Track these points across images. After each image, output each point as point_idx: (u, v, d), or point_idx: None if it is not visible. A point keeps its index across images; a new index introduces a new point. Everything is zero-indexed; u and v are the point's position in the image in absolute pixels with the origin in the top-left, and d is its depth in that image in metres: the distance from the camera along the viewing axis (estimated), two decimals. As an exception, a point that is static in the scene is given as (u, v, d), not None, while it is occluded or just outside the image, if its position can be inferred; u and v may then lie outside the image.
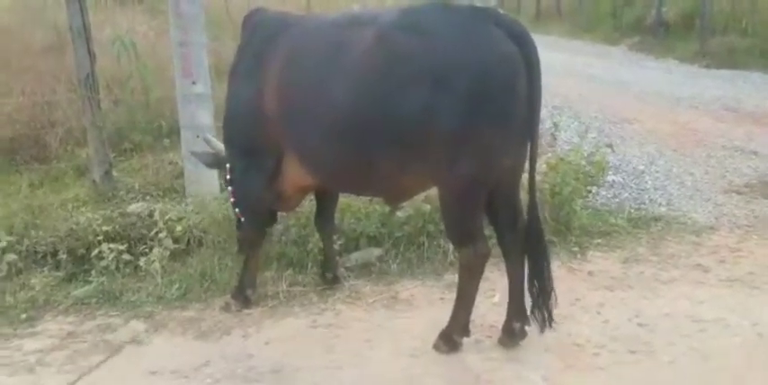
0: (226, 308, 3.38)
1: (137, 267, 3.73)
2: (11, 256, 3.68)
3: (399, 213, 3.89)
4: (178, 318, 3.30)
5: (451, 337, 2.96)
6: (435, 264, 3.80)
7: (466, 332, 2.98)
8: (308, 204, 3.98)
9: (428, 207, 3.87)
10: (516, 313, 2.97)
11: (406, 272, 3.74)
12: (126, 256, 3.73)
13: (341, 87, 2.70)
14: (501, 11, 2.73)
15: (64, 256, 3.78)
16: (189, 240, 3.94)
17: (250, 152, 3.16)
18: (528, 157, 2.75)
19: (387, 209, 3.92)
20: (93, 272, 3.70)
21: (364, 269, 3.77)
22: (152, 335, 3.16)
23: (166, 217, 4.05)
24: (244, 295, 3.40)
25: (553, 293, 2.92)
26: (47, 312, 3.36)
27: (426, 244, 3.87)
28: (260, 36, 3.12)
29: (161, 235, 3.85)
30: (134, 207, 4.39)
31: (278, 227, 3.88)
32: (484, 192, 2.71)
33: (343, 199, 4.08)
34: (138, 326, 3.24)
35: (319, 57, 2.81)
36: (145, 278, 3.65)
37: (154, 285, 3.57)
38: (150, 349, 3.05)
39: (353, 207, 4.06)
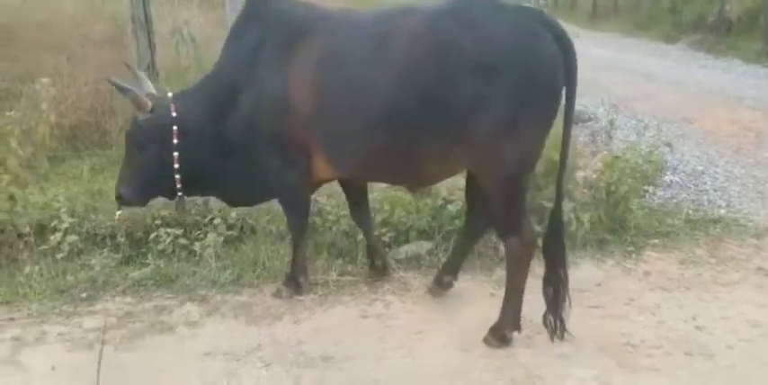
0: (277, 294, 3.42)
1: (191, 252, 3.80)
2: (72, 238, 3.79)
3: (450, 207, 3.87)
4: (231, 303, 3.36)
5: (502, 332, 2.96)
6: (485, 260, 3.77)
7: (516, 327, 2.96)
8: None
9: (480, 201, 3.84)
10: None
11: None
12: (182, 241, 3.81)
13: (389, 77, 2.75)
14: (546, 10, 2.78)
15: (122, 239, 3.88)
16: (242, 227, 4.00)
17: (277, 144, 3.08)
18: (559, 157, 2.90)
19: (438, 203, 3.91)
20: (149, 255, 3.78)
21: (414, 262, 3.76)
22: (206, 318, 3.22)
23: (222, 204, 4.13)
24: (296, 282, 3.43)
25: (567, 299, 2.92)
26: (106, 292, 3.46)
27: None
28: (287, 26, 3.04)
29: (216, 221, 3.92)
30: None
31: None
32: (526, 181, 2.85)
33: (394, 192, 4.10)
34: (192, 308, 3.31)
35: (364, 49, 2.84)
36: (199, 263, 3.71)
37: (208, 270, 3.64)
38: (204, 331, 3.12)
39: (404, 200, 4.05)
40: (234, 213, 3.99)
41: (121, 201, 3.34)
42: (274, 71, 2.99)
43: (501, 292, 3.39)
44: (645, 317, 3.20)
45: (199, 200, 4.26)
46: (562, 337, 2.94)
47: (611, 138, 5.31)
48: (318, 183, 3.33)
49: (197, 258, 3.75)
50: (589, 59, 10.05)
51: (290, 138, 3.03)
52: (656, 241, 4.06)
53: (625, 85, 8.47)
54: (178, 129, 3.14)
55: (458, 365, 2.81)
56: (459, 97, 2.66)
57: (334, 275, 3.61)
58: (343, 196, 3.64)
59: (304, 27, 3.00)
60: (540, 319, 3.10)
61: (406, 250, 3.81)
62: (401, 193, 4.07)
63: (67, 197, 4.12)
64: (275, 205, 4.06)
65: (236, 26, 3.18)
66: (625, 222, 4.09)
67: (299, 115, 2.96)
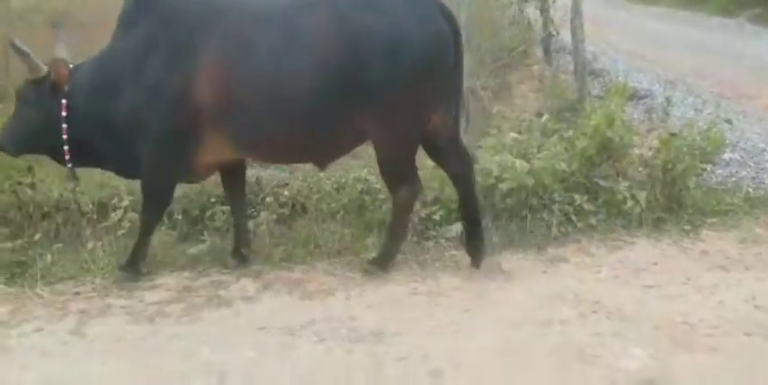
0: (116, 279, 3.39)
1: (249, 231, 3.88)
2: (132, 215, 3.90)
3: (501, 185, 3.83)
4: (284, 279, 3.42)
5: (379, 265, 3.40)
6: (538, 238, 3.75)
7: (388, 265, 3.41)
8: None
9: (532, 180, 3.80)
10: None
11: (507, 244, 3.70)
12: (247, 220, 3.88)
13: (303, 64, 2.98)
14: None
15: (179, 217, 3.99)
16: (293, 206, 4.07)
17: (166, 136, 3.15)
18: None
19: (489, 181, 3.88)
20: (205, 232, 3.88)
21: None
22: (261, 293, 3.29)
23: (273, 183, 4.20)
24: (136, 267, 3.43)
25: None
26: (165, 268, 3.56)
27: (529, 217, 3.82)
28: (184, 22, 3.11)
29: (268, 200, 3.99)
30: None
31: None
32: (417, 141, 3.25)
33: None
34: (247, 284, 3.39)
35: (275, 38, 3.00)
36: (253, 240, 3.79)
37: (261, 246, 3.71)
38: (259, 306, 3.19)
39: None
40: (286, 192, 4.05)
41: None
42: (171, 68, 3.07)
43: (553, 270, 3.39)
44: (703, 296, 3.13)
45: (251, 178, 4.36)
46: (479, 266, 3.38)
47: (667, 114, 5.18)
48: (215, 167, 3.42)
49: (251, 236, 3.83)
50: (643, 34, 9.81)
51: (185, 131, 3.11)
52: (714, 220, 3.96)
53: (681, 61, 8.19)
54: (67, 102, 3.23)
55: (510, 343, 2.81)
56: (368, 75, 2.95)
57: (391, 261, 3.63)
58: None
59: (202, 21, 3.09)
60: (593, 298, 3.09)
61: (456, 229, 3.81)
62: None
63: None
64: (325, 184, 4.14)
65: (127, 14, 3.23)
66: (682, 201, 4.00)
67: (203, 109, 3.05)
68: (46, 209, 3.90)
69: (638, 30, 10.56)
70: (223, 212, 3.92)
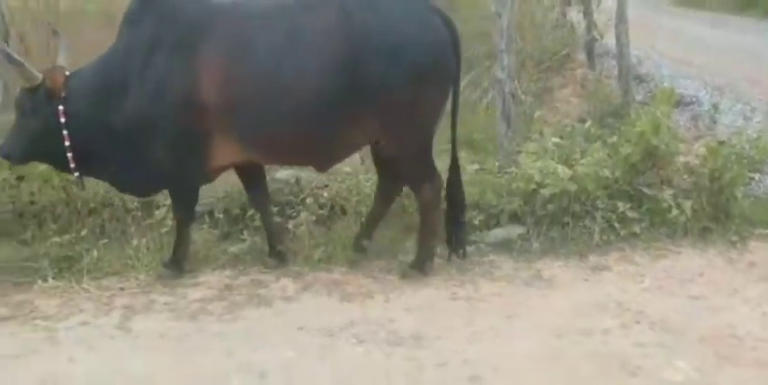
0: (159, 277, 3.46)
1: (284, 228, 3.91)
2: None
3: (543, 191, 3.80)
4: (323, 280, 3.45)
5: (422, 266, 3.42)
6: (579, 245, 3.70)
7: (431, 261, 3.46)
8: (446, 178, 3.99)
9: (574, 186, 3.76)
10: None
11: (548, 251, 3.67)
12: (277, 219, 3.92)
13: (308, 64, 3.03)
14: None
15: (220, 216, 4.04)
16: (332, 207, 4.08)
17: (176, 137, 3.18)
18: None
19: (531, 187, 3.84)
20: (245, 231, 3.92)
21: (504, 246, 3.73)
22: (300, 294, 3.32)
23: (312, 184, 4.23)
24: (179, 266, 3.49)
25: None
26: (207, 266, 3.61)
27: (571, 224, 3.77)
28: (185, 23, 3.13)
29: (308, 200, 4.01)
30: (281, 174, 4.59)
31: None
32: (429, 141, 3.32)
33: (485, 176, 4.06)
34: (287, 283, 3.42)
35: (279, 39, 3.05)
36: (292, 240, 3.82)
37: (301, 247, 3.74)
38: (299, 306, 3.21)
39: (494, 183, 4.02)
40: (326, 193, 4.07)
41: (3, 155, 3.44)
42: (176, 69, 3.09)
43: (595, 278, 3.34)
44: (750, 308, 3.06)
45: (291, 179, 4.40)
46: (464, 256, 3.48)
47: (714, 122, 5.07)
48: (224, 169, 3.44)
49: (290, 236, 3.86)
50: (690, 39, 9.60)
51: (195, 132, 3.13)
52: (763, 231, 3.85)
53: (730, 67, 8.00)
54: (65, 109, 3.22)
55: (551, 350, 2.78)
56: (370, 77, 3.01)
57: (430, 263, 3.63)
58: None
59: (204, 22, 3.12)
60: (636, 308, 3.04)
61: (496, 234, 3.79)
62: (491, 176, 4.05)
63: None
64: (364, 186, 4.14)
65: (130, 17, 3.25)
66: (729, 210, 3.90)
67: (209, 109, 3.08)
68: (92, 205, 3.98)
69: (685, 34, 10.35)
70: (263, 212, 3.95)
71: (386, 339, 2.92)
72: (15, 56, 3.27)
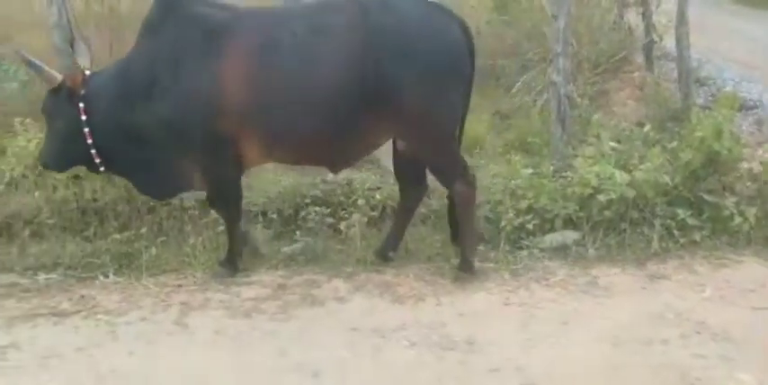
0: (215, 275, 3.51)
1: (336, 230, 3.94)
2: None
3: (600, 197, 3.72)
4: (375, 281, 3.45)
5: (470, 264, 3.43)
6: (637, 253, 3.62)
7: (475, 255, 3.48)
8: (500, 182, 3.97)
9: (633, 192, 3.68)
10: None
11: (604, 257, 3.60)
12: (329, 220, 3.96)
13: (327, 66, 3.10)
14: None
15: (274, 216, 4.09)
16: (384, 208, 4.09)
17: (204, 138, 3.23)
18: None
19: (587, 191, 3.77)
20: (298, 232, 3.97)
21: (559, 252, 3.68)
22: (352, 294, 3.33)
23: (365, 186, 4.24)
24: (234, 264, 3.54)
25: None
26: (260, 265, 3.67)
27: (628, 230, 3.69)
28: (206, 28, 3.19)
29: (360, 202, 4.02)
30: (333, 175, 4.63)
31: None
32: (452, 137, 3.39)
33: (539, 180, 4.00)
34: (339, 284, 3.44)
35: (298, 42, 3.13)
36: (344, 241, 3.84)
37: (353, 248, 3.75)
38: (351, 307, 3.23)
39: (548, 187, 3.96)
40: (378, 195, 4.08)
41: (42, 164, 3.58)
42: (198, 73, 3.15)
43: (653, 287, 3.27)
44: (820, 321, 2.94)
45: (343, 181, 4.42)
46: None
47: (781, 128, 4.89)
48: (245, 171, 3.51)
49: (342, 237, 3.88)
50: (755, 41, 9.26)
51: (221, 134, 3.19)
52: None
53: (795, 70, 7.70)
54: (85, 106, 3.27)
55: (608, 359, 2.73)
56: (386, 77, 3.07)
57: (475, 261, 3.60)
58: (484, 181, 3.78)
59: (224, 26, 3.19)
60: (696, 318, 2.96)
61: (550, 239, 3.73)
62: (546, 181, 3.98)
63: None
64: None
65: (150, 22, 3.30)
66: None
67: (232, 112, 3.14)
68: (151, 204, 4.08)
69: (748, 35, 9.99)
70: (316, 213, 3.99)
71: (438, 343, 2.90)
72: (34, 60, 3.36)
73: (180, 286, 3.44)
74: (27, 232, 3.88)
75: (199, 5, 3.29)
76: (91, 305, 3.26)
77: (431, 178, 3.56)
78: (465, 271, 3.44)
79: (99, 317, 3.15)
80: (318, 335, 2.99)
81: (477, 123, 4.81)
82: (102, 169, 3.45)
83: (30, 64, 3.35)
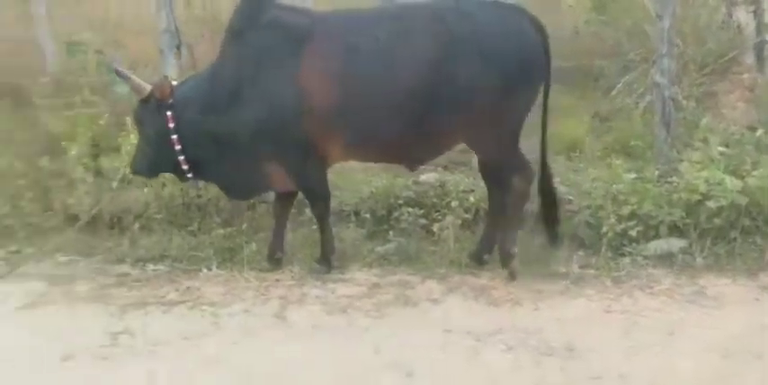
0: (311, 271, 3.60)
1: (429, 232, 3.94)
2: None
3: (709, 203, 3.54)
4: (470, 283, 3.43)
5: (508, 251, 3.44)
6: (749, 263, 3.43)
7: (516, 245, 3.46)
8: (601, 186, 3.85)
9: (745, 200, 3.48)
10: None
11: (713, 267, 3.43)
12: (422, 221, 3.96)
13: (409, 67, 3.19)
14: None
15: (367, 216, 4.14)
16: (477, 211, 4.05)
17: (293, 142, 3.35)
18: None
19: (694, 197, 3.60)
20: (391, 232, 3.99)
21: (664, 259, 3.53)
22: (446, 296, 3.32)
23: (459, 188, 4.22)
24: (328, 261, 3.62)
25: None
26: (354, 263, 3.72)
27: (739, 239, 3.50)
28: (288, 34, 3.30)
29: (453, 204, 4.00)
30: (425, 177, 4.63)
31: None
32: (517, 135, 3.42)
33: (643, 185, 3.85)
34: (433, 286, 3.43)
35: (379, 45, 3.23)
36: (437, 243, 3.82)
37: (446, 250, 3.74)
38: (445, 308, 3.22)
39: (653, 192, 3.80)
40: (471, 197, 4.04)
41: (132, 171, 3.72)
42: (284, 76, 3.27)
43: (766, 298, 3.09)
44: None
45: (436, 182, 4.42)
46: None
47: None
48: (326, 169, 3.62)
49: (435, 238, 3.86)
50: None
51: (305, 136, 3.32)
52: None
53: None
54: (173, 114, 3.38)
55: (717, 371, 2.59)
56: (460, 79, 3.16)
57: (575, 267, 3.52)
58: (584, 185, 3.80)
59: (306, 32, 3.29)
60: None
61: (654, 246, 3.59)
62: (650, 185, 3.83)
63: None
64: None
65: (233, 29, 3.40)
66: None
67: (316, 113, 3.26)
68: (251, 200, 4.22)
69: None
70: (409, 214, 4.01)
71: (536, 348, 2.85)
72: (124, 70, 3.53)
73: (278, 281, 3.54)
74: (137, 226, 4.10)
75: (279, 11, 3.40)
76: (196, 296, 3.41)
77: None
78: (505, 265, 3.46)
79: (204, 307, 3.28)
80: (412, 334, 2.99)
81: (575, 125, 4.71)
82: (189, 176, 3.58)
83: (121, 75, 3.50)
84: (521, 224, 3.58)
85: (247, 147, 3.40)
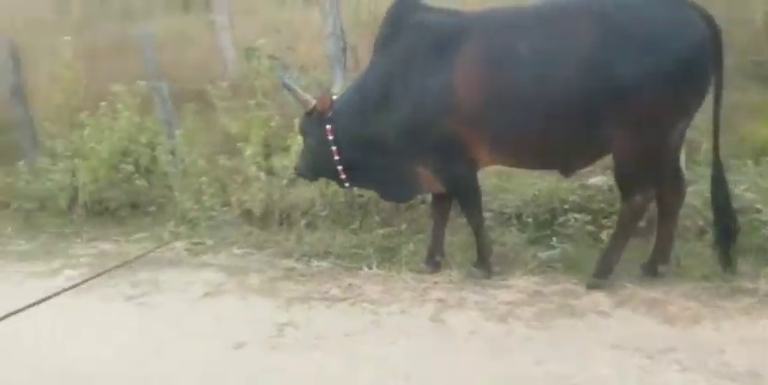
0: (469, 275, 3.56)
1: (597, 239, 3.74)
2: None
3: None
4: (641, 297, 3.19)
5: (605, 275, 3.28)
6: None
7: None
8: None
9: None
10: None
11: None
12: (589, 227, 3.77)
13: (561, 67, 3.00)
14: None
15: (529, 220, 4.01)
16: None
17: (441, 143, 3.32)
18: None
19: None
20: (555, 238, 3.84)
21: None
22: (615, 309, 3.12)
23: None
24: (486, 263, 3.55)
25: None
26: (515, 269, 3.61)
27: None
28: (438, 37, 3.27)
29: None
30: (594, 180, 4.40)
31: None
32: (665, 148, 3.14)
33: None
34: (600, 297, 3.24)
35: (529, 43, 3.07)
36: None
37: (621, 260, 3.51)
38: (613, 322, 3.02)
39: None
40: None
41: (296, 173, 3.96)
42: (433, 76, 3.23)
43: None
44: None
45: (604, 186, 4.18)
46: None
47: None
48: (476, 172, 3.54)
49: (603, 246, 3.65)
50: None
51: (455, 136, 3.27)
52: None
53: None
54: (332, 127, 3.51)
55: None
56: (622, 77, 2.92)
57: (762, 283, 3.16)
58: None
59: (456, 34, 3.23)
60: None
61: None
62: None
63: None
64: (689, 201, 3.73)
65: (383, 34, 3.45)
66: None
67: (464, 114, 3.20)
68: (411, 202, 4.26)
69: None
70: (576, 219, 3.83)
71: (715, 371, 2.58)
72: (291, 84, 3.74)
73: (436, 283, 3.54)
74: (303, 222, 4.30)
75: (427, 14, 3.39)
76: (357, 293, 3.49)
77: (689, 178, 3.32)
78: (598, 277, 3.32)
79: (364, 305, 3.36)
80: (577, 348, 2.84)
81: (766, 126, 4.24)
82: (346, 185, 3.73)
83: (287, 87, 3.73)
84: (624, 246, 3.31)
85: (398, 150, 3.45)
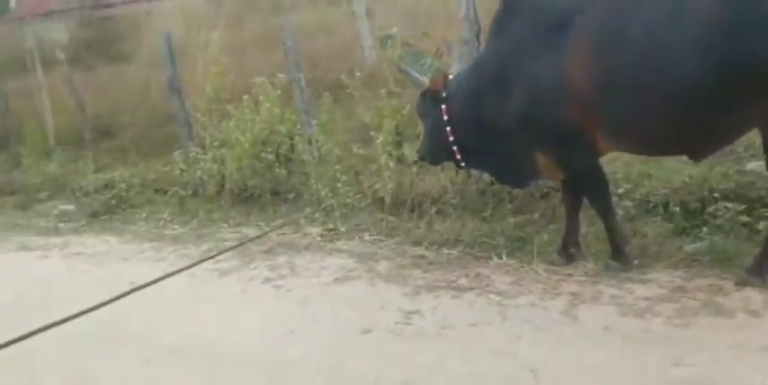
0: (607, 268, 3.34)
1: (753, 230, 3.40)
2: (627, 203, 3.82)
3: None
4: (803, 296, 2.86)
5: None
6: None
7: None
8: None
9: None
10: None
11: None
12: (743, 218, 3.43)
13: (683, 47, 2.74)
14: None
15: (676, 209, 3.73)
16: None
17: (557, 129, 3.16)
18: None
19: None
20: (704, 228, 3.54)
21: None
22: (769, 309, 2.82)
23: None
24: (623, 253, 3.35)
25: None
26: (657, 262, 3.37)
27: None
28: (551, 19, 3.10)
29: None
30: (753, 165, 4.00)
31: None
32: None
33: None
34: (753, 295, 2.94)
35: (649, 24, 2.83)
36: (762, 244, 3.26)
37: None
38: (766, 323, 2.73)
39: None
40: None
41: (419, 157, 3.96)
42: (547, 60, 3.07)
43: None
44: None
45: (764, 173, 3.77)
46: None
47: None
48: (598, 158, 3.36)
49: (760, 238, 3.31)
50: None
51: (571, 123, 3.08)
52: None
53: None
54: (447, 107, 3.51)
55: None
56: (757, 54, 2.64)
57: None
58: None
59: (570, 15, 3.03)
60: None
61: None
62: None
63: (624, 163, 4.17)
64: None
65: (498, 19, 3.33)
66: None
67: (579, 99, 3.01)
68: (545, 189, 4.11)
69: None
70: (728, 209, 3.51)
71: None
72: (405, 67, 3.89)
73: (570, 275, 3.39)
74: (434, 210, 4.30)
75: None
76: (485, 283, 3.44)
77: None
78: (752, 273, 3.02)
79: (491, 296, 3.29)
80: (721, 349, 2.60)
81: None
82: (462, 165, 3.72)
83: (402, 71, 3.85)
84: None
85: (514, 134, 3.35)
